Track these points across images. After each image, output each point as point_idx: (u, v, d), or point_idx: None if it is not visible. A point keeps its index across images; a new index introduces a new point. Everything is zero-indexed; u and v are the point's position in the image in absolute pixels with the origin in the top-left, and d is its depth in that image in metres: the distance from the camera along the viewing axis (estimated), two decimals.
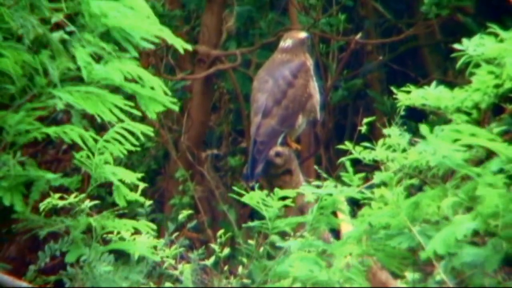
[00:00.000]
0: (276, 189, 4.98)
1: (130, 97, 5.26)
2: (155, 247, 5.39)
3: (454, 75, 8.38)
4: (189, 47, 5.35)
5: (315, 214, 4.61)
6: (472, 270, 4.08)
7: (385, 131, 4.54)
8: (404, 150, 4.42)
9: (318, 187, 4.56)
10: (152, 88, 5.08)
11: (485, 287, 4.12)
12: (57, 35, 4.91)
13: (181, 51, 5.33)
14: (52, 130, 4.84)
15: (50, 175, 4.86)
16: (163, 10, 8.52)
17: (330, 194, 4.51)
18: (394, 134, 4.51)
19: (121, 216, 5.18)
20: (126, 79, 5.05)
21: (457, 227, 3.96)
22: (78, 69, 4.88)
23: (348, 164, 4.49)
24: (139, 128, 5.00)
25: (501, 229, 4.01)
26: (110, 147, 4.94)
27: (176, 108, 5.21)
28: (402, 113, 4.72)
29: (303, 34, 6.29)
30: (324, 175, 4.69)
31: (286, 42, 6.24)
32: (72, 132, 4.83)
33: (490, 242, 4.07)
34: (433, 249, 3.97)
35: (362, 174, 4.51)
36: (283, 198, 5.00)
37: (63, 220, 5.04)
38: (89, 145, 4.89)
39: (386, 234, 4.32)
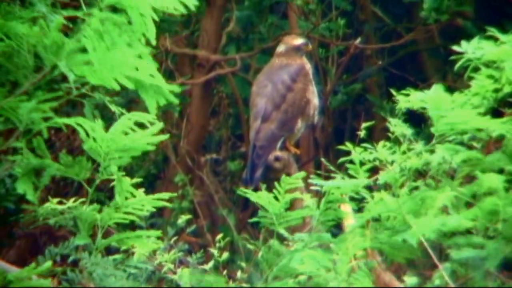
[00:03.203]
0: (282, 182, 4.89)
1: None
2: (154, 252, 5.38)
3: (453, 80, 8.38)
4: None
5: (322, 209, 4.56)
6: (473, 270, 4.08)
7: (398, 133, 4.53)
8: (404, 152, 4.41)
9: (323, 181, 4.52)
10: (152, 75, 4.90)
11: None
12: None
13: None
14: (65, 121, 4.77)
15: (57, 165, 4.77)
16: (163, 15, 8.52)
17: (339, 187, 4.45)
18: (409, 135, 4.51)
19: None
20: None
21: (449, 218, 3.96)
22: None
23: (356, 158, 4.45)
24: (146, 117, 4.84)
25: (501, 227, 4.00)
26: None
27: (176, 101, 5.04)
28: (403, 116, 4.71)
29: (298, 41, 6.26)
30: (333, 169, 4.65)
31: (281, 47, 6.25)
32: (85, 124, 4.75)
33: (490, 241, 4.07)
34: (420, 232, 3.95)
35: (368, 166, 4.47)
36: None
37: (71, 211, 5.00)
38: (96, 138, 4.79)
39: (391, 227, 4.30)
